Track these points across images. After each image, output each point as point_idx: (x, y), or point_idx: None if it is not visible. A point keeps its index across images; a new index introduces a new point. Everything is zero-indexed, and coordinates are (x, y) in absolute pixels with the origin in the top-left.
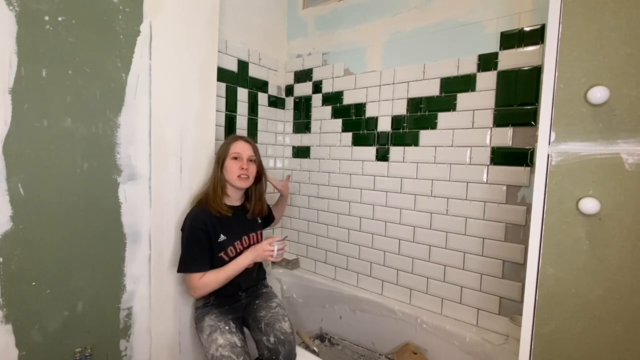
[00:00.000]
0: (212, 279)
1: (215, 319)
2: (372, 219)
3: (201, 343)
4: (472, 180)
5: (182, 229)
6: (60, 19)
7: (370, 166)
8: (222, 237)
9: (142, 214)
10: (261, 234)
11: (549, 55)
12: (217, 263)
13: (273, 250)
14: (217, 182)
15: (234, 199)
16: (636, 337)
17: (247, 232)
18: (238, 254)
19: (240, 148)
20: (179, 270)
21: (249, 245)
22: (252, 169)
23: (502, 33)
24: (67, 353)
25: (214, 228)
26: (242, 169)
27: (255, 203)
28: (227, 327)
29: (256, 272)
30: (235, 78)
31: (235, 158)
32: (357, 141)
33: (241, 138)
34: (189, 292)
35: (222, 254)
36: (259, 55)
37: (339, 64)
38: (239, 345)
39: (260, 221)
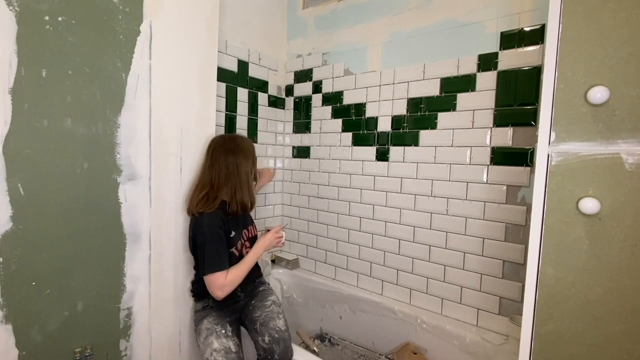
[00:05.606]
0: (237, 274)
1: (212, 321)
2: (372, 219)
3: (198, 346)
4: (472, 180)
5: (197, 233)
6: (60, 19)
7: (370, 166)
8: (233, 233)
9: (142, 214)
10: (255, 226)
11: (549, 55)
12: (229, 259)
13: (282, 236)
14: (251, 183)
15: None
16: (636, 337)
17: (246, 225)
18: (243, 247)
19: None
20: (207, 272)
21: (249, 238)
22: None
23: (502, 33)
24: (67, 353)
25: (228, 226)
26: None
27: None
28: (223, 331)
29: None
30: (235, 78)
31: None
32: (357, 141)
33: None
34: (215, 292)
35: (233, 249)
36: (259, 55)
37: (339, 64)
38: (234, 350)
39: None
